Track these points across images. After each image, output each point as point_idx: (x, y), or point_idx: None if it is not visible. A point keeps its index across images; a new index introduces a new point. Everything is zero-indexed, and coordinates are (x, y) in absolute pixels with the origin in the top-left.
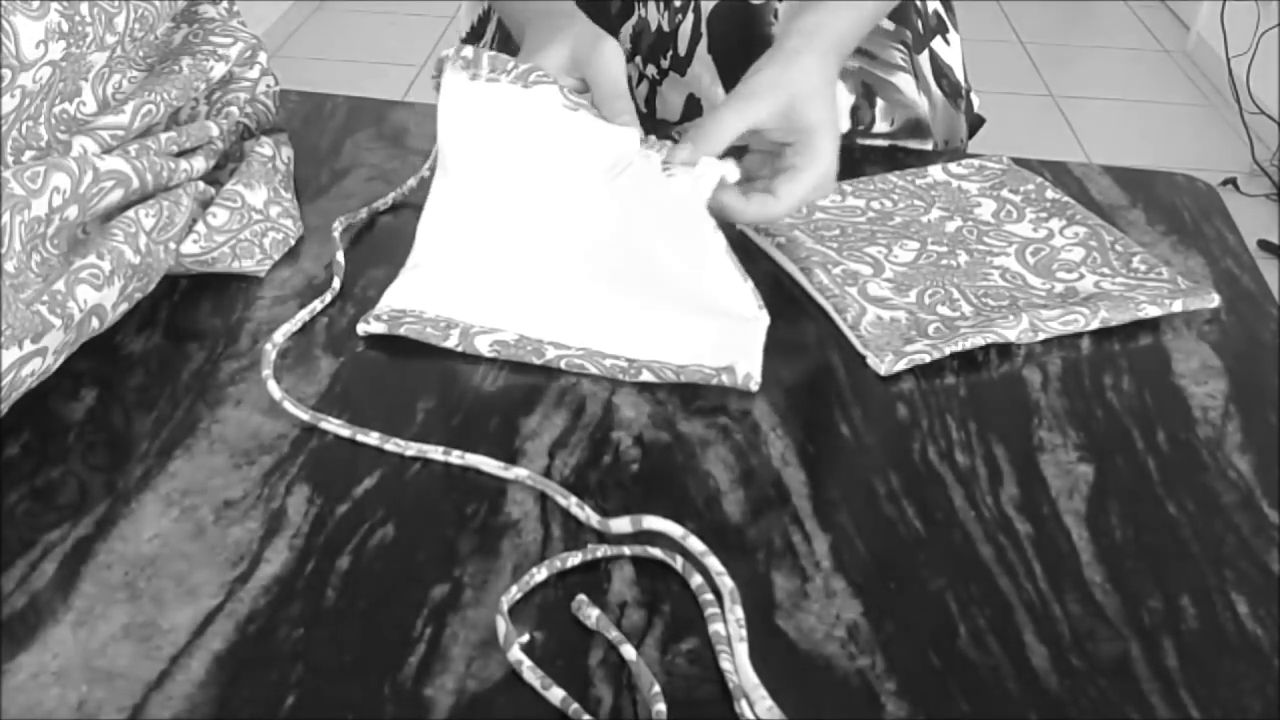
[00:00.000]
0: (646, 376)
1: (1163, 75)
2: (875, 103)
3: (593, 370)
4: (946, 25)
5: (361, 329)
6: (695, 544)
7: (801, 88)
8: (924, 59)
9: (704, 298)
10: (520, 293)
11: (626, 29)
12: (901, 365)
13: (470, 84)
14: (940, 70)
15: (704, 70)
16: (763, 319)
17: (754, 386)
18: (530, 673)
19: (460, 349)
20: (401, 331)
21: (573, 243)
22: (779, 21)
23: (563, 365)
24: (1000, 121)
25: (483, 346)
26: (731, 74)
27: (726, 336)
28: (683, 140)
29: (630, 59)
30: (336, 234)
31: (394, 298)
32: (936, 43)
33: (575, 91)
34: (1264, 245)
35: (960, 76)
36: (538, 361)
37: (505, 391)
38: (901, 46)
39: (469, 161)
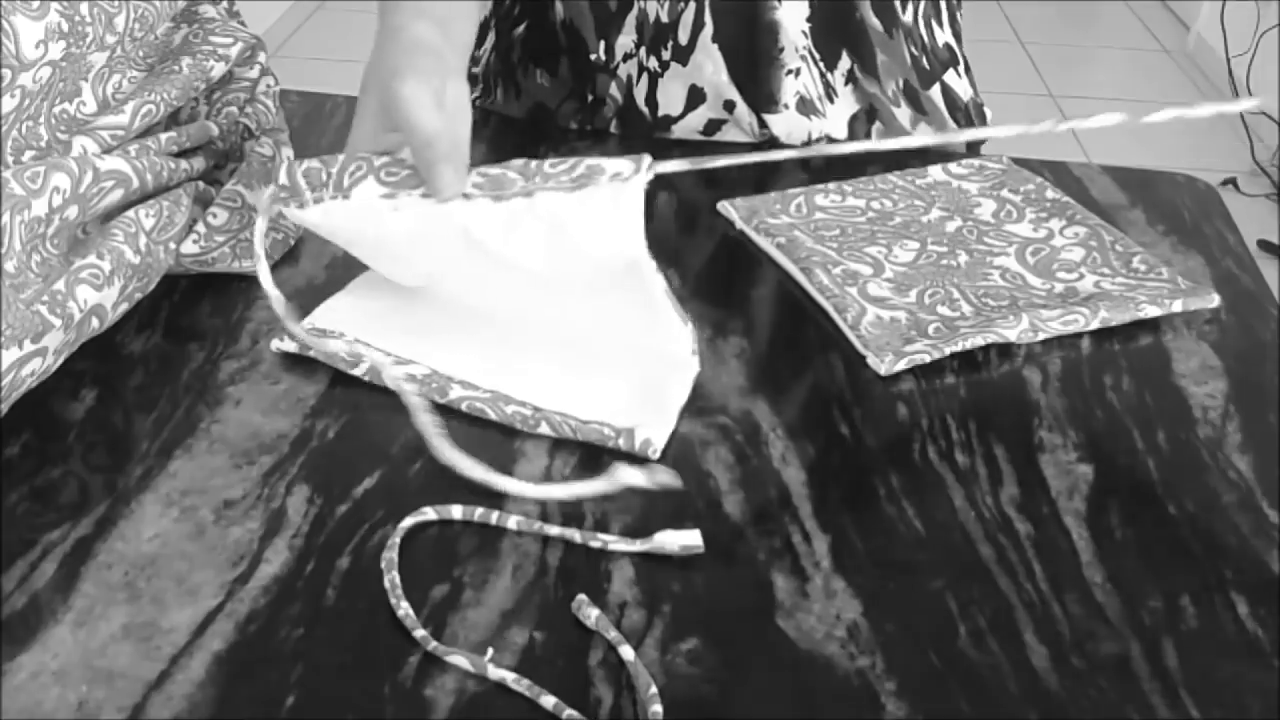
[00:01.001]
0: (545, 430)
1: (1163, 75)
2: (874, 122)
3: (492, 416)
4: (956, 56)
5: (275, 346)
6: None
7: None
8: (935, 93)
9: (633, 342)
10: (442, 328)
11: (630, 20)
12: (901, 365)
13: (301, 213)
14: (953, 103)
15: (707, 59)
16: (693, 366)
17: (652, 454)
18: (515, 684)
19: (368, 379)
20: (312, 354)
21: (486, 297)
22: (781, 6)
23: (464, 408)
24: (1001, 122)
25: (389, 379)
26: (736, 60)
27: (641, 396)
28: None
29: (635, 52)
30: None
31: (319, 317)
32: (949, 75)
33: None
34: (1264, 245)
35: (969, 99)
36: (440, 400)
37: None
38: (898, 82)
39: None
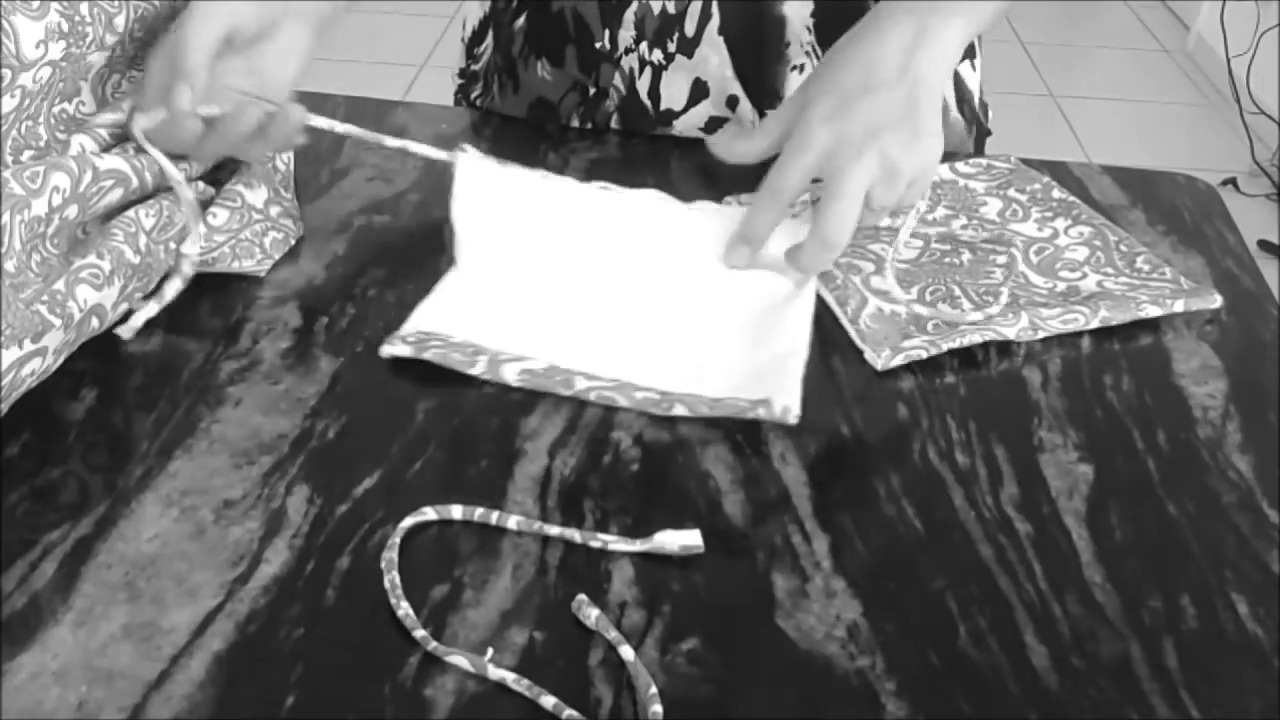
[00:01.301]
0: (680, 410)
1: (1163, 75)
2: None
3: (623, 403)
4: (974, 49)
5: (386, 351)
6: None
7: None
8: (948, 82)
9: (756, 335)
10: (552, 322)
11: (629, 16)
12: (898, 361)
13: (488, 164)
14: (962, 95)
15: (712, 52)
16: (804, 350)
17: (793, 420)
18: (515, 684)
19: (486, 376)
20: (426, 356)
21: (609, 281)
22: (786, 0)
23: (592, 397)
24: (1001, 122)
25: (510, 375)
26: (741, 54)
27: (764, 369)
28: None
29: (635, 46)
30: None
31: (421, 319)
32: (963, 66)
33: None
34: (1264, 245)
35: (978, 98)
36: (565, 393)
37: (505, 391)
38: None
39: (493, 234)
